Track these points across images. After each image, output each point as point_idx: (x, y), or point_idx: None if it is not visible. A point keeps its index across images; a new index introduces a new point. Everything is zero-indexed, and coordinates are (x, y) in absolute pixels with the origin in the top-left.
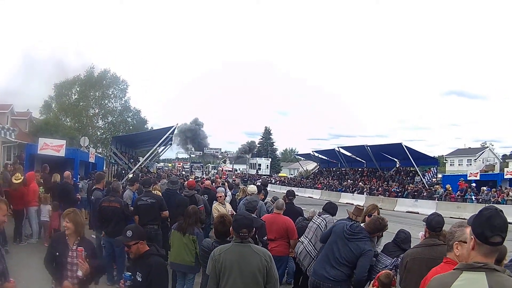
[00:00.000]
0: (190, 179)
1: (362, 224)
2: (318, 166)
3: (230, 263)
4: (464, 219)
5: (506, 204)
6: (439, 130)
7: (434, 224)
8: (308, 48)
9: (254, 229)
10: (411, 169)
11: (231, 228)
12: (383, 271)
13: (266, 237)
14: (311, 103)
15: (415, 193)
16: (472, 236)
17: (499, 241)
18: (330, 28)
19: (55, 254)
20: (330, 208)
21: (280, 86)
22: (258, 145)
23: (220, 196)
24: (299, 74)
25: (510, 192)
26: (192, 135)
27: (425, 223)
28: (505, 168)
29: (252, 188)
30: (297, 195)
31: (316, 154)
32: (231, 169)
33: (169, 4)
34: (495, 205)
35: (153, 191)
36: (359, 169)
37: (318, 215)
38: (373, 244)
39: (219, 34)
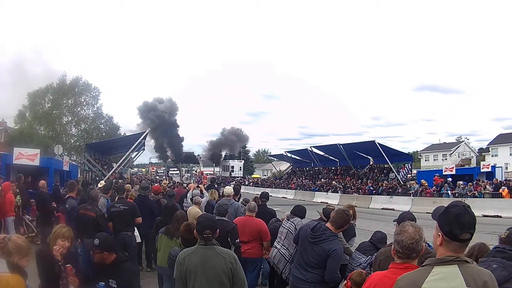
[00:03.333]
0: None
1: (328, 222)
2: (291, 166)
3: (195, 266)
4: None
5: (483, 197)
6: (413, 126)
7: None
8: (278, 49)
9: (217, 230)
10: (385, 166)
11: (195, 231)
12: (356, 270)
13: (238, 240)
14: (282, 104)
15: (390, 190)
16: (440, 233)
17: (468, 238)
18: (299, 27)
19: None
20: (299, 211)
21: (250, 87)
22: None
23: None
24: (269, 75)
25: (487, 186)
26: (169, 140)
27: (396, 222)
28: (481, 162)
29: (228, 189)
30: (271, 195)
31: (289, 155)
32: (212, 172)
33: (140, 12)
34: (472, 198)
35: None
36: (333, 168)
37: (287, 219)
38: (342, 240)
39: (193, 35)
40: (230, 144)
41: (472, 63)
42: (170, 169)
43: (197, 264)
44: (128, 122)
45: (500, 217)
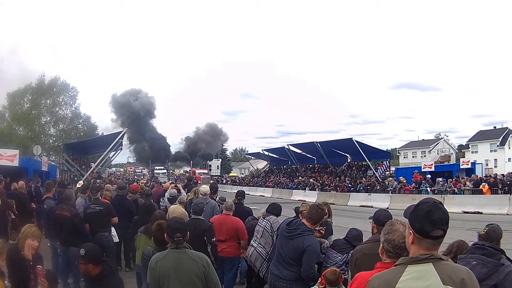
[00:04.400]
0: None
1: (304, 219)
2: (269, 165)
3: (167, 271)
4: None
5: (463, 194)
6: (391, 123)
7: (382, 219)
8: (254, 48)
9: (188, 233)
10: (363, 163)
11: (165, 235)
12: (329, 269)
13: (214, 239)
14: (258, 102)
15: (368, 187)
16: (411, 231)
17: (441, 235)
18: (275, 26)
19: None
20: (274, 209)
21: (226, 86)
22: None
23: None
24: (244, 74)
25: (467, 182)
26: (147, 138)
27: (371, 220)
28: (461, 159)
29: (204, 188)
30: (248, 194)
31: (266, 153)
32: (206, 172)
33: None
34: (452, 195)
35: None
36: (310, 165)
37: (262, 217)
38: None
39: (167, 35)
40: (208, 141)
41: (450, 61)
42: (156, 168)
43: (170, 269)
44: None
45: (481, 213)
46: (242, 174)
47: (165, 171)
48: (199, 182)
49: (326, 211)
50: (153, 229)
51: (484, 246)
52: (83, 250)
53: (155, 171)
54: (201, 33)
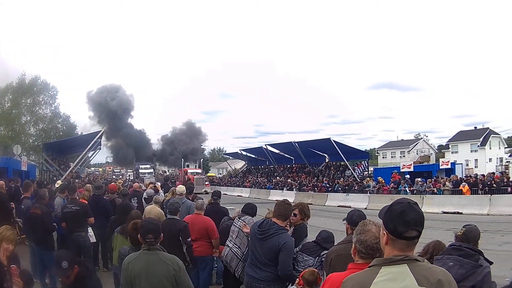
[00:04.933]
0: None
1: (274, 217)
2: (246, 165)
3: (138, 272)
4: None
5: (442, 194)
6: (370, 123)
7: (355, 219)
8: (232, 47)
9: (162, 234)
10: (341, 163)
11: (139, 235)
12: (308, 269)
13: (190, 239)
14: (236, 102)
15: (346, 187)
16: (384, 232)
17: (415, 235)
18: (250, 25)
19: None
20: (249, 209)
21: (204, 85)
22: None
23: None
24: (223, 73)
25: (446, 182)
26: (126, 137)
27: (345, 221)
28: (440, 159)
29: (180, 188)
30: (226, 194)
31: (244, 153)
32: (200, 171)
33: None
34: (431, 195)
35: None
36: (288, 165)
37: (238, 217)
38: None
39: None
40: (185, 141)
41: (430, 61)
42: (141, 167)
43: (141, 270)
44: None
45: (461, 213)
46: (220, 174)
47: (151, 170)
48: (192, 182)
49: (298, 212)
50: (128, 228)
51: (461, 247)
52: (65, 262)
53: (141, 171)
54: (185, 33)
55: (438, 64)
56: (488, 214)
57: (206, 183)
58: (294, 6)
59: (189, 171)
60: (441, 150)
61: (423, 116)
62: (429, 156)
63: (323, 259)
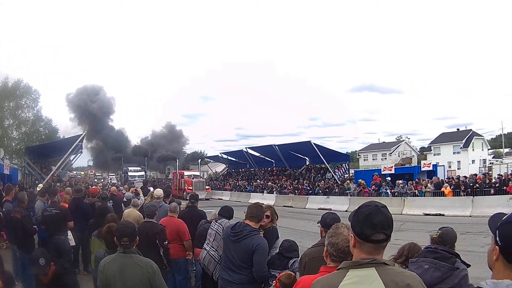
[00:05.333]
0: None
1: (246, 219)
2: (227, 168)
3: (113, 275)
4: None
5: (424, 196)
6: (351, 126)
7: (329, 222)
8: (211, 49)
9: (137, 238)
10: (322, 166)
11: (115, 238)
12: (284, 272)
13: (166, 242)
14: (217, 105)
15: (327, 190)
16: (352, 234)
17: (383, 238)
18: (229, 28)
19: None
20: (225, 212)
21: (185, 88)
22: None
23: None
24: (203, 76)
25: (428, 184)
26: (106, 141)
27: (319, 224)
28: (422, 161)
29: (158, 191)
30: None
31: (225, 156)
32: (198, 173)
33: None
34: (412, 197)
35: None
36: (268, 168)
37: (215, 220)
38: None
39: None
40: (164, 144)
41: (412, 63)
42: (130, 169)
43: (115, 273)
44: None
45: (443, 215)
46: (201, 177)
47: (142, 173)
48: (190, 187)
49: (269, 214)
50: (103, 232)
51: (437, 250)
52: (42, 259)
53: (130, 174)
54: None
55: (420, 66)
56: (470, 216)
57: (207, 187)
58: (274, 8)
59: (186, 173)
60: (423, 152)
61: (405, 118)
62: (411, 158)
63: (294, 268)
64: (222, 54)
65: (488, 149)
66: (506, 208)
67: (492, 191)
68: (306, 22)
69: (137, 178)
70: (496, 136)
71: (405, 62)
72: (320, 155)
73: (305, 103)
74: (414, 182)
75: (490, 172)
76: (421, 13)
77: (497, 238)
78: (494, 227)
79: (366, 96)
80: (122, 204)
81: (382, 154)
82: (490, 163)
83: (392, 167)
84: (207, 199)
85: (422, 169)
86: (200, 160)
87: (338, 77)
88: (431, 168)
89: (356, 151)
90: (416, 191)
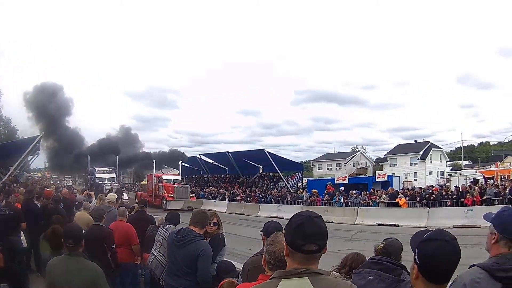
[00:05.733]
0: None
1: (191, 225)
2: (180, 174)
3: (58, 277)
4: (332, 222)
5: (378, 206)
6: (307, 135)
7: (271, 230)
8: (155, 52)
9: (83, 241)
10: (275, 174)
11: (62, 240)
12: (227, 279)
13: (114, 245)
14: (170, 110)
15: (279, 198)
16: (284, 243)
17: (315, 249)
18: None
19: None
20: (172, 218)
21: (137, 93)
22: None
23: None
24: (162, 78)
25: (383, 195)
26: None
27: (261, 232)
28: (377, 171)
29: (111, 196)
30: None
31: (178, 162)
32: (179, 178)
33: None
34: (366, 207)
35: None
36: (222, 175)
37: (162, 226)
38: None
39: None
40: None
41: (371, 74)
42: (98, 171)
43: (61, 275)
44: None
45: (397, 226)
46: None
47: (113, 175)
48: (171, 195)
49: (216, 221)
50: (47, 233)
51: (381, 261)
52: None
53: (98, 176)
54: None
55: (378, 77)
56: (426, 227)
57: (192, 195)
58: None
59: (164, 177)
60: (379, 163)
61: (362, 129)
62: (366, 169)
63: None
64: (181, 56)
65: (447, 161)
66: (464, 220)
67: (449, 203)
68: (261, 32)
69: (106, 182)
70: (456, 148)
71: (365, 73)
72: (274, 164)
73: (260, 112)
74: (368, 192)
75: (448, 184)
76: (377, 24)
77: (415, 257)
78: (415, 245)
79: (323, 106)
80: (74, 207)
81: (337, 164)
82: (449, 175)
83: (346, 177)
84: (190, 209)
85: (377, 180)
86: (181, 161)
87: (295, 87)
88: (386, 179)
89: (310, 160)
90: (370, 201)
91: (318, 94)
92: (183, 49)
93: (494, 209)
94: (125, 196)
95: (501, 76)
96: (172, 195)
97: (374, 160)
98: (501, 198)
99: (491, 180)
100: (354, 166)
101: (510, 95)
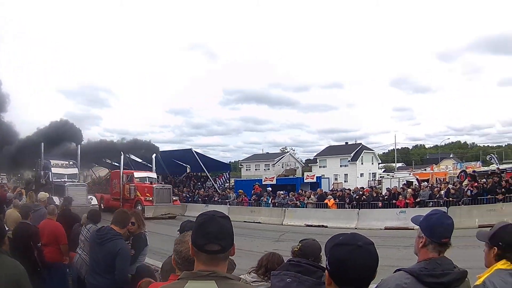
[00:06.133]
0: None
1: (111, 224)
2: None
3: None
4: (259, 222)
5: (306, 207)
6: (236, 136)
7: (187, 230)
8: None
9: (5, 238)
10: (202, 174)
11: None
12: (145, 279)
13: (40, 244)
14: (101, 109)
15: (206, 198)
16: (190, 243)
17: (217, 249)
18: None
19: None
20: (93, 217)
21: (70, 90)
22: None
23: None
24: (88, 76)
25: (311, 196)
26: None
27: (178, 232)
28: (305, 173)
29: (42, 195)
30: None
31: (108, 161)
32: (153, 176)
33: None
34: (294, 208)
35: None
36: None
37: (84, 225)
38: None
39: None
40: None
41: (302, 76)
42: (54, 164)
43: None
44: None
45: (326, 227)
46: (86, 181)
47: (75, 171)
48: (149, 198)
49: (134, 220)
50: None
51: (300, 263)
52: None
53: (55, 171)
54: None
55: (309, 79)
56: (356, 228)
57: (175, 198)
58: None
59: (136, 174)
60: (309, 164)
61: (292, 130)
62: (295, 170)
63: None
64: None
65: (379, 163)
66: (396, 221)
67: (380, 204)
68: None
69: (67, 178)
70: (389, 151)
71: (294, 74)
72: (201, 164)
73: (190, 111)
74: (296, 193)
75: (379, 185)
76: (310, 26)
77: (326, 261)
78: (327, 249)
79: (254, 108)
80: (5, 205)
81: (265, 164)
82: (381, 177)
83: (273, 177)
84: (173, 217)
85: (305, 181)
86: (154, 155)
87: (225, 87)
88: (314, 180)
89: (239, 161)
90: (298, 202)
91: (249, 95)
92: (116, 47)
93: (428, 211)
94: (94, 200)
95: (438, 80)
96: (150, 199)
97: (304, 162)
98: (435, 200)
99: (425, 183)
100: (282, 167)
101: (446, 99)
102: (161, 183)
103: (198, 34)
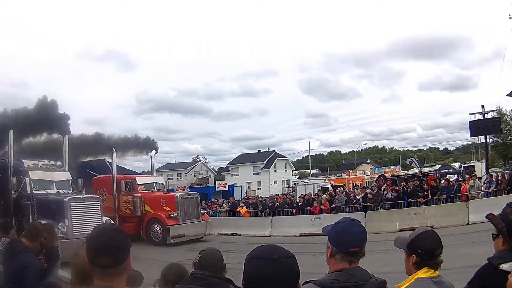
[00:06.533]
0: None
1: (22, 237)
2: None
3: None
4: None
5: (219, 216)
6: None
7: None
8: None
9: None
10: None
11: None
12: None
13: None
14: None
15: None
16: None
17: (107, 263)
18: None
19: None
20: (2, 227)
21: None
22: None
23: None
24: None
25: (224, 204)
26: None
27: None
28: (217, 181)
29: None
30: None
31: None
32: (162, 181)
33: None
34: (209, 217)
35: None
36: None
37: None
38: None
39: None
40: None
41: (214, 83)
42: (38, 165)
43: None
44: None
45: (240, 235)
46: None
47: (67, 175)
48: (172, 213)
49: (47, 233)
50: None
51: (204, 276)
52: None
53: (33, 177)
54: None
55: (225, 87)
56: (270, 236)
57: (203, 211)
58: None
59: (139, 180)
60: (221, 172)
61: (204, 139)
62: (208, 179)
63: None
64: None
65: (293, 170)
66: (311, 228)
67: (294, 211)
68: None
69: (55, 189)
70: (303, 157)
71: (209, 82)
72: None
73: (103, 121)
74: (209, 202)
75: (294, 192)
76: (221, 31)
77: (242, 276)
78: (244, 261)
79: (166, 116)
80: None
81: (178, 174)
82: (295, 184)
83: (185, 187)
84: (199, 238)
85: (217, 189)
86: (154, 152)
87: (138, 96)
88: (226, 188)
89: (150, 170)
90: (211, 211)
91: (162, 104)
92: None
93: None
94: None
95: (354, 86)
96: (174, 215)
97: (216, 170)
98: (352, 205)
99: (341, 188)
100: (195, 176)
101: (362, 105)
102: (185, 191)
103: (115, 43)
